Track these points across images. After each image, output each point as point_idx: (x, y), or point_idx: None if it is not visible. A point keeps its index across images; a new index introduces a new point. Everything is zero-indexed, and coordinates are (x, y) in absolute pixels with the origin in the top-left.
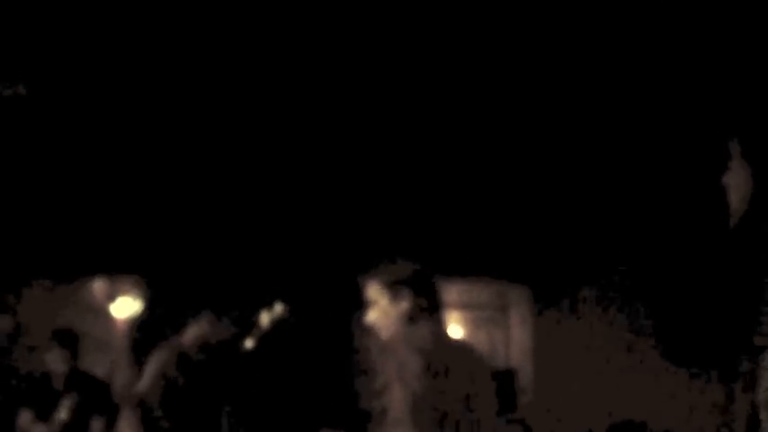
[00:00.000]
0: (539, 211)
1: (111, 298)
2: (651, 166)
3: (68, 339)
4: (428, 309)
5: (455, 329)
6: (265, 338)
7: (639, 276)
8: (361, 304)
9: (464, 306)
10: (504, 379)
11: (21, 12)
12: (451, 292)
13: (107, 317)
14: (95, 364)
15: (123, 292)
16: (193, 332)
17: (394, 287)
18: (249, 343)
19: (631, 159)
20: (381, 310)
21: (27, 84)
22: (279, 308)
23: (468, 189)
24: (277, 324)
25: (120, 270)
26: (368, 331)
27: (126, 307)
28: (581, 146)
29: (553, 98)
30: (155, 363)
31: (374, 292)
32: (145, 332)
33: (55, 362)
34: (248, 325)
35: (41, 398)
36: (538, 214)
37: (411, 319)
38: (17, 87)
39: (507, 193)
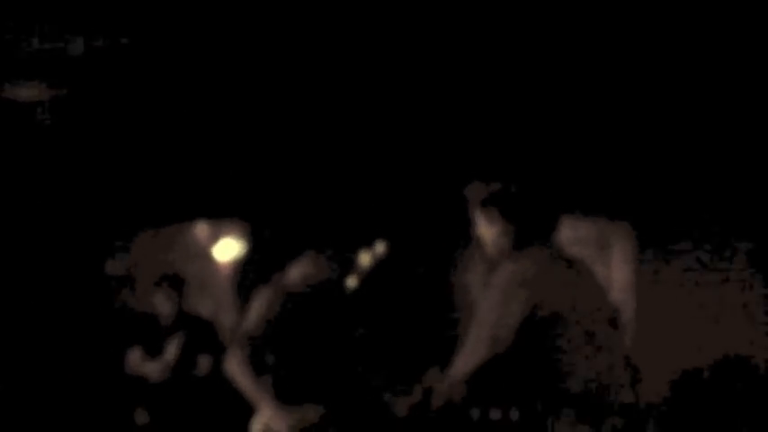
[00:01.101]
0: (643, 145)
1: (215, 240)
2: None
3: (174, 282)
4: (531, 238)
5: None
6: (368, 277)
7: (744, 213)
8: (461, 239)
9: (564, 243)
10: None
11: None
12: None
13: (211, 259)
14: (200, 306)
15: (226, 235)
16: (296, 272)
17: (486, 210)
18: (352, 282)
19: (740, 101)
20: (480, 236)
21: (126, 35)
22: (380, 246)
23: (569, 123)
24: (379, 262)
25: (222, 213)
26: (468, 266)
27: (229, 249)
28: (692, 84)
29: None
30: (259, 303)
31: (472, 216)
32: (248, 273)
33: (162, 304)
34: (351, 264)
35: (150, 338)
36: (642, 149)
37: (511, 248)
38: (116, 39)
39: (609, 127)
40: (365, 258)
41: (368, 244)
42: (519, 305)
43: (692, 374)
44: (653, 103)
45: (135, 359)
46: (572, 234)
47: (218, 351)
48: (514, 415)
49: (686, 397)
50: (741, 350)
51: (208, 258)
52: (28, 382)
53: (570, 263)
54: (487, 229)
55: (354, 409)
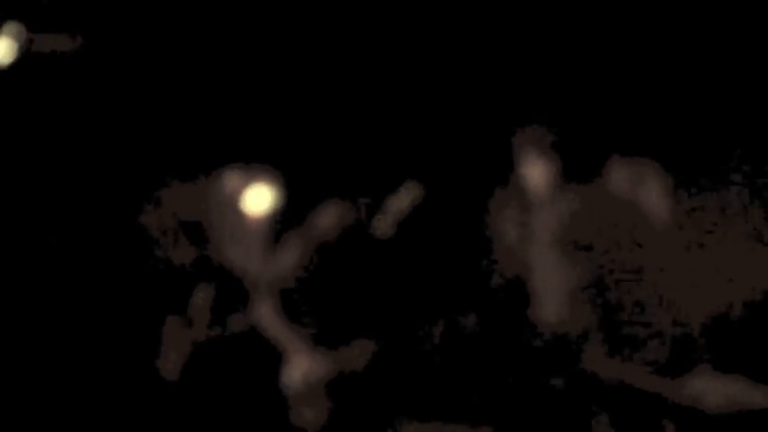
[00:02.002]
0: (675, 80)
1: (244, 188)
2: None
3: (203, 232)
4: (571, 176)
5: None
6: (401, 221)
7: None
8: (495, 182)
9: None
10: None
11: None
12: None
13: (240, 208)
14: (230, 256)
15: (256, 182)
16: (327, 218)
17: (528, 150)
18: (384, 226)
19: None
20: (523, 175)
21: None
22: (413, 188)
23: (602, 59)
24: (413, 205)
25: (251, 159)
26: (504, 207)
27: (259, 197)
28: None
29: None
30: (290, 250)
31: (516, 157)
32: (278, 221)
33: (190, 255)
34: (382, 208)
35: (179, 289)
36: (674, 84)
37: (551, 188)
38: None
39: (640, 63)
40: (397, 202)
41: (399, 186)
42: (562, 243)
43: (732, 310)
44: (684, 37)
45: (172, 325)
46: (609, 173)
47: (248, 301)
48: (549, 334)
49: (725, 332)
50: None
51: (237, 207)
52: (56, 332)
53: (613, 200)
54: (532, 170)
55: (391, 354)
